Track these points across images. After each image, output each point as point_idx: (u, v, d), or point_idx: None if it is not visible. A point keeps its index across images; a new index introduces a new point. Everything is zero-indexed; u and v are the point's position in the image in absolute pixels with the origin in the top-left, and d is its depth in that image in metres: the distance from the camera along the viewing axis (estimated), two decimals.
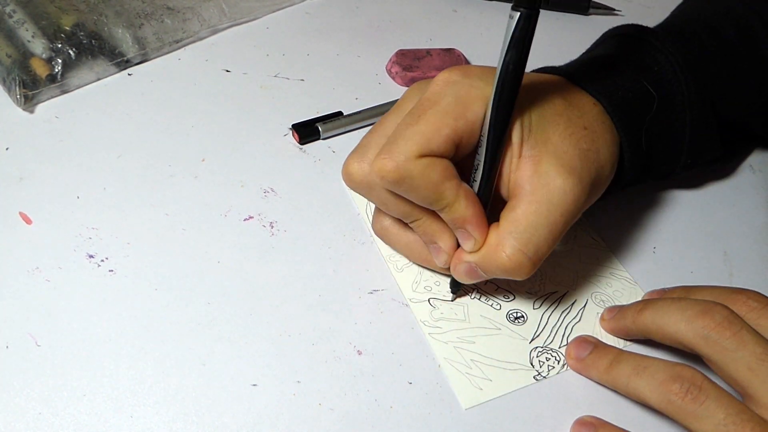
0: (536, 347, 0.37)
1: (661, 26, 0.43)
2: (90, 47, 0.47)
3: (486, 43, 0.56)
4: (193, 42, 0.52)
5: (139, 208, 0.40)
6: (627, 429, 0.33)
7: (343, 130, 0.47)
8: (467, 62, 0.53)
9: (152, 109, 0.46)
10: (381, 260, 0.40)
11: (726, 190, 0.47)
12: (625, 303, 0.38)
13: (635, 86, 0.38)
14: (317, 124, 0.46)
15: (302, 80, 0.50)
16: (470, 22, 0.57)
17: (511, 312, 0.38)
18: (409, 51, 0.52)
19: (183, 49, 0.51)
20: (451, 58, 0.52)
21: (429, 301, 0.38)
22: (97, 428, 0.31)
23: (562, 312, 0.38)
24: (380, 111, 0.47)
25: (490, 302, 0.38)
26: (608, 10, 0.60)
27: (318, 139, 0.46)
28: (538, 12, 0.30)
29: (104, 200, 0.41)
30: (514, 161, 0.34)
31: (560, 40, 0.56)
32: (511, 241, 0.33)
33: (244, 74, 0.50)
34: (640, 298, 0.39)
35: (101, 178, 0.42)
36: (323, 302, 0.37)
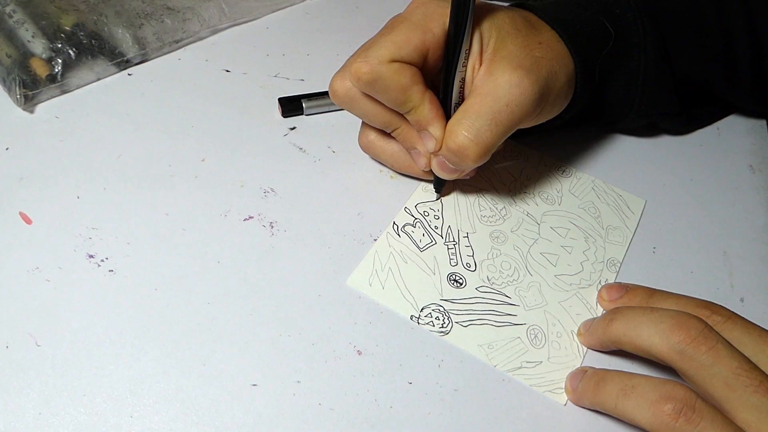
0: (439, 305, 0.38)
1: None
2: (90, 47, 0.47)
3: None
4: (193, 42, 0.52)
5: (139, 208, 0.40)
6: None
7: (326, 108, 0.48)
8: None
9: (152, 109, 0.47)
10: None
11: (726, 190, 0.47)
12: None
13: (593, 21, 0.41)
14: (302, 100, 0.48)
15: (302, 80, 0.50)
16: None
17: (456, 275, 0.40)
18: None
19: (183, 49, 0.51)
20: None
21: (414, 222, 0.41)
22: (97, 428, 0.31)
23: (491, 304, 0.39)
24: None
25: (455, 260, 0.40)
26: None
27: (301, 114, 0.48)
28: None
29: (104, 200, 0.41)
30: (476, 68, 0.38)
31: None
32: (457, 128, 0.37)
33: (244, 74, 0.50)
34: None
35: (101, 178, 0.42)
36: (323, 302, 0.37)
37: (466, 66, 0.38)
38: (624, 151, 0.48)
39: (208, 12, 0.52)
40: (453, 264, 0.40)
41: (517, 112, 0.37)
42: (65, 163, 0.42)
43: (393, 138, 0.41)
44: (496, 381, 0.35)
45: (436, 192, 0.43)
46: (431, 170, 0.40)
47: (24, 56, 0.45)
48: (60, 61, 0.46)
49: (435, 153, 0.39)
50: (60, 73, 0.46)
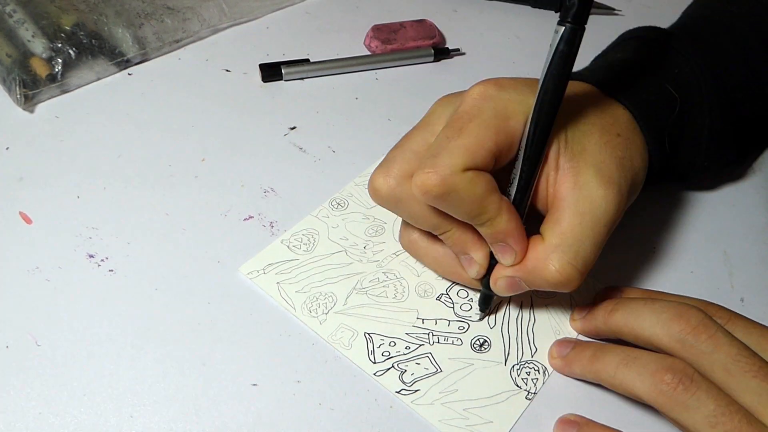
0: (513, 366, 0.36)
1: (678, 27, 0.44)
2: (90, 47, 0.47)
3: (486, 43, 0.56)
4: (194, 42, 0.52)
5: (139, 207, 0.40)
6: (612, 427, 0.33)
7: (305, 75, 0.50)
8: (439, 32, 0.54)
9: (152, 109, 0.46)
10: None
11: (726, 190, 0.47)
12: (573, 293, 0.38)
13: (658, 90, 0.39)
14: (281, 66, 0.49)
15: (302, 80, 0.50)
16: (470, 22, 0.57)
17: (474, 341, 0.36)
18: (383, 25, 0.54)
19: (183, 48, 0.51)
20: (424, 28, 0.54)
21: (394, 366, 0.35)
22: (98, 428, 0.31)
23: (516, 318, 0.38)
24: (347, 63, 0.51)
25: (450, 340, 0.36)
26: (608, 10, 0.60)
27: (280, 79, 0.49)
28: (584, 29, 0.30)
29: (104, 200, 0.41)
30: (552, 174, 0.34)
31: None
32: (559, 255, 0.33)
33: (244, 74, 0.50)
34: (591, 290, 0.39)
35: (101, 177, 0.42)
36: None
37: (540, 170, 0.34)
38: (691, 179, 0.48)
39: (208, 12, 0.52)
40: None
41: (613, 227, 0.34)
42: (65, 163, 0.42)
43: (439, 240, 0.36)
44: None
45: (480, 311, 0.37)
46: (482, 282, 0.36)
47: (24, 56, 0.45)
48: (60, 60, 0.46)
49: (500, 270, 0.34)
50: (60, 72, 0.46)
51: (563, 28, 0.30)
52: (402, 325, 0.37)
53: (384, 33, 0.53)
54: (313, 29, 0.55)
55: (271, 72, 0.49)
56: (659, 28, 0.43)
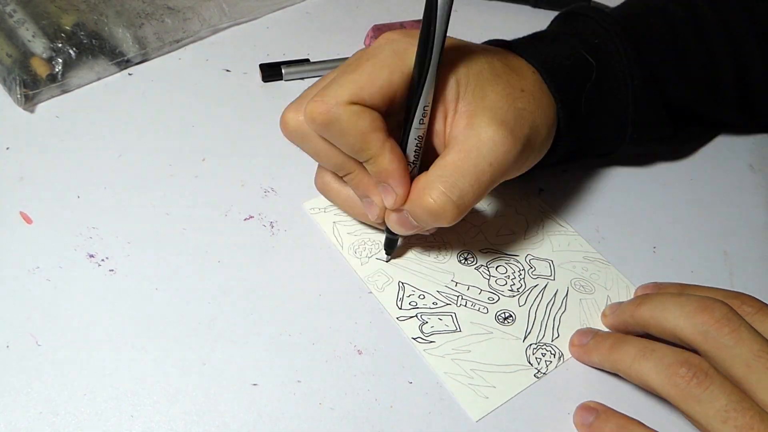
0: (531, 344, 0.37)
1: (614, 9, 0.45)
2: (90, 47, 0.47)
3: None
4: (194, 42, 0.52)
5: (140, 207, 0.40)
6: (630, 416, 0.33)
7: (305, 75, 0.50)
8: None
9: (153, 109, 0.47)
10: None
11: (726, 190, 0.47)
12: (601, 284, 0.40)
13: (573, 55, 0.40)
14: (281, 66, 0.49)
15: (302, 79, 0.50)
16: (470, 22, 0.57)
17: (499, 313, 0.38)
18: (383, 25, 0.54)
19: (183, 48, 0.51)
20: None
21: (417, 315, 0.37)
22: (98, 427, 0.31)
23: (548, 304, 0.39)
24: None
25: (477, 307, 0.38)
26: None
27: (280, 79, 0.49)
28: None
29: (105, 200, 0.41)
30: (450, 116, 0.35)
31: None
32: (437, 185, 0.33)
33: (244, 74, 0.50)
34: (615, 279, 0.40)
35: (102, 177, 0.42)
36: (323, 302, 0.37)
37: (424, 123, 0.34)
38: (624, 151, 0.48)
39: (208, 12, 0.52)
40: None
41: (499, 171, 0.34)
42: (66, 163, 0.42)
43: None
44: None
45: (386, 254, 0.39)
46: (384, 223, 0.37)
47: (24, 56, 0.45)
48: (60, 60, 0.46)
49: (397, 209, 0.35)
50: (60, 72, 0.46)
51: None
52: (435, 283, 0.39)
53: (384, 33, 0.53)
54: (314, 29, 0.55)
55: (271, 72, 0.49)
56: (587, 5, 0.43)
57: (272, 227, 0.40)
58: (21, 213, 0.39)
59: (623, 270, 0.41)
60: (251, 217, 0.41)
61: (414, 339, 0.36)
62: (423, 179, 0.34)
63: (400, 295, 0.38)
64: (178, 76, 0.49)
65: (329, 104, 0.32)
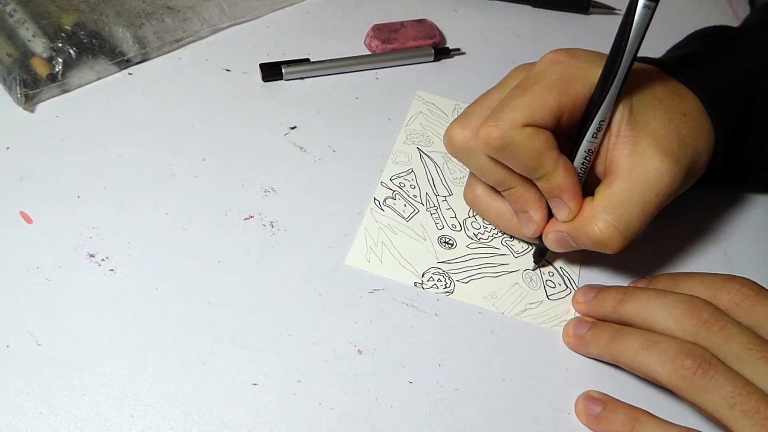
0: (438, 268, 0.40)
1: (745, 27, 0.44)
2: (90, 46, 0.47)
3: (487, 42, 0.56)
4: (194, 41, 0.52)
5: (140, 207, 0.40)
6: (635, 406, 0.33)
7: (306, 74, 0.50)
8: (440, 32, 0.54)
9: (153, 109, 0.46)
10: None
11: (726, 189, 0.47)
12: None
13: (728, 81, 0.39)
14: (282, 66, 0.49)
15: (302, 79, 0.50)
16: (471, 22, 0.57)
17: (445, 237, 0.41)
18: (383, 25, 0.53)
19: (183, 48, 0.51)
20: (424, 28, 0.54)
21: (394, 195, 0.42)
22: (98, 427, 0.32)
23: (484, 257, 0.41)
24: (347, 62, 0.51)
25: (441, 224, 0.41)
26: (608, 10, 0.60)
27: (281, 79, 0.49)
28: (657, 3, 0.31)
29: (105, 199, 0.41)
30: (612, 140, 0.35)
31: (560, 40, 0.56)
32: (604, 215, 0.35)
33: (244, 74, 0.50)
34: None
35: (102, 177, 0.42)
36: (323, 301, 0.37)
37: (597, 137, 0.35)
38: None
39: (208, 11, 0.52)
40: (439, 227, 0.41)
41: (665, 200, 0.35)
42: (66, 163, 0.42)
43: (501, 196, 0.39)
44: (497, 380, 0.35)
45: (534, 263, 0.41)
46: (538, 237, 0.39)
47: (24, 55, 0.45)
48: (60, 60, 0.46)
49: (553, 225, 0.37)
50: (60, 72, 0.46)
51: (643, 2, 0.31)
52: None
53: (384, 33, 0.53)
54: (314, 29, 0.55)
55: (271, 71, 0.49)
56: (729, 27, 0.43)
57: (272, 227, 0.40)
58: (21, 213, 0.39)
59: (623, 271, 0.41)
60: (251, 217, 0.41)
61: (375, 199, 0.41)
62: (589, 208, 0.35)
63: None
64: (178, 76, 0.49)
65: (504, 128, 0.33)
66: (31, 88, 0.45)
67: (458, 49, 0.54)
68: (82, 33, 0.47)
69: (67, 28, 0.47)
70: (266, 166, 0.44)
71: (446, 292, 0.39)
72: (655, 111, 0.36)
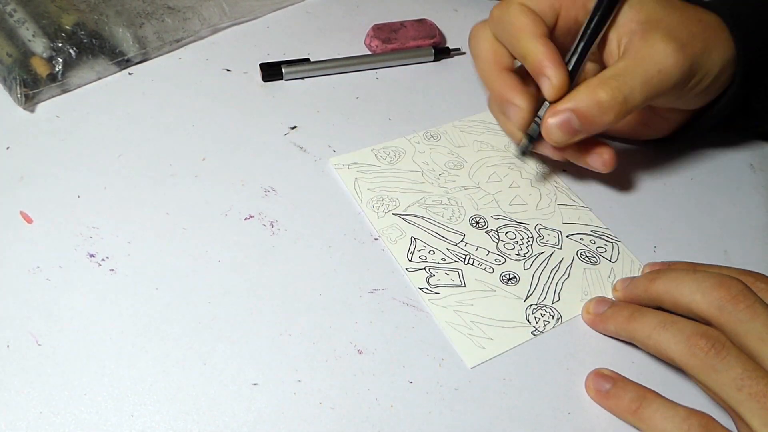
0: (531, 305, 0.38)
1: None
2: (91, 46, 0.47)
3: None
4: (194, 41, 0.52)
5: (140, 207, 0.40)
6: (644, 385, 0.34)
7: (306, 74, 0.50)
8: (440, 32, 0.54)
9: (153, 109, 0.47)
10: (382, 259, 0.40)
11: (726, 189, 0.47)
12: (607, 257, 0.41)
13: (756, 12, 0.41)
14: (282, 66, 0.49)
15: (302, 79, 0.50)
16: (471, 22, 0.57)
17: (504, 274, 0.39)
18: (384, 25, 0.54)
19: (183, 48, 0.51)
20: (425, 28, 0.54)
21: (426, 268, 0.39)
22: (98, 427, 0.31)
23: (552, 270, 0.40)
24: (347, 62, 0.51)
25: (483, 266, 0.40)
26: None
27: (281, 79, 0.49)
28: None
29: (105, 199, 0.41)
30: (623, 38, 0.38)
31: None
32: (610, 82, 0.37)
33: (244, 73, 0.50)
34: (622, 254, 0.42)
35: (102, 177, 0.42)
36: (324, 301, 0.37)
37: (596, 43, 0.39)
38: (623, 151, 0.48)
39: (208, 11, 0.52)
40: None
41: (666, 81, 0.37)
42: (66, 163, 0.42)
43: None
44: (497, 380, 0.35)
45: (522, 153, 0.43)
46: (526, 130, 0.41)
47: (25, 55, 0.45)
48: (61, 60, 0.46)
49: (557, 108, 0.38)
50: (61, 72, 0.46)
51: None
52: (446, 242, 0.41)
53: (384, 32, 0.53)
54: (314, 29, 0.55)
55: (271, 71, 0.49)
56: None
57: (272, 227, 0.40)
58: (21, 213, 0.39)
59: (623, 271, 0.41)
60: (251, 216, 0.41)
61: (420, 289, 0.38)
62: (595, 79, 0.38)
63: (411, 249, 0.40)
64: (179, 76, 0.49)
65: (503, 5, 0.39)
66: (31, 88, 0.45)
67: (458, 49, 0.54)
68: (82, 33, 0.47)
69: (67, 27, 0.47)
70: (266, 166, 0.44)
71: (556, 323, 0.38)
72: (670, 13, 0.38)
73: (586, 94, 0.37)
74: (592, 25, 0.38)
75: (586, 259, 0.41)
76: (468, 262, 0.40)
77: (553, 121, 0.38)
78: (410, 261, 0.39)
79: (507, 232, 0.42)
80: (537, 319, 0.38)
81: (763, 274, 0.36)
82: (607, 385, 0.35)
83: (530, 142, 0.42)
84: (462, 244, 0.41)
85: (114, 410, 0.32)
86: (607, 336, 0.37)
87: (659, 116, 0.44)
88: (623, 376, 0.35)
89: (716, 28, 0.39)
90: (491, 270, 0.40)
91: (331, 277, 0.38)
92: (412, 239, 0.40)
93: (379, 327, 0.37)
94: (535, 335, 0.37)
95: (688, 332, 0.33)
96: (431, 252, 0.40)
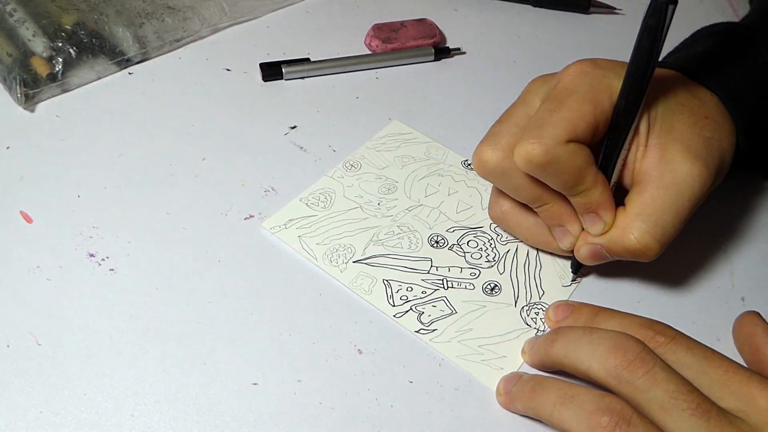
0: (522, 307, 0.38)
1: (752, 21, 0.44)
2: (91, 46, 0.47)
3: (487, 42, 0.56)
4: (194, 41, 0.52)
5: (140, 207, 0.40)
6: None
7: (306, 74, 0.50)
8: (440, 31, 0.54)
9: (153, 108, 0.47)
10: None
11: (726, 189, 0.47)
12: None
13: (745, 78, 0.39)
14: (282, 65, 0.49)
15: (302, 78, 0.50)
16: (471, 21, 0.57)
17: (485, 286, 0.39)
18: (384, 24, 0.53)
19: (183, 48, 0.51)
20: (425, 28, 0.54)
21: (412, 308, 0.37)
22: (98, 427, 0.31)
23: (523, 266, 0.40)
24: (347, 62, 0.51)
25: (463, 285, 0.39)
26: (609, 9, 0.60)
27: (281, 78, 0.49)
28: (676, 3, 0.30)
29: (105, 199, 0.41)
30: (640, 150, 0.35)
31: (561, 39, 0.56)
32: (639, 224, 0.34)
33: (244, 73, 0.50)
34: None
35: (102, 177, 0.42)
36: (324, 301, 0.37)
37: (626, 148, 0.35)
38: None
39: (208, 11, 0.52)
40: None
41: (697, 204, 0.35)
42: (66, 162, 0.42)
43: (530, 211, 0.38)
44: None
45: (572, 273, 0.40)
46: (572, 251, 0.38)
47: (25, 55, 0.45)
48: (61, 60, 0.46)
49: (585, 238, 0.36)
50: (61, 71, 0.46)
51: (654, 2, 0.30)
52: (417, 273, 0.39)
53: (384, 32, 0.53)
54: (314, 28, 0.55)
55: (271, 71, 0.49)
56: (736, 23, 0.43)
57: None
58: (21, 213, 0.39)
59: (623, 270, 0.41)
60: (251, 216, 0.41)
61: (417, 332, 0.36)
62: (622, 218, 0.35)
63: (389, 293, 0.38)
64: (179, 76, 0.49)
65: (547, 145, 0.32)
66: (31, 87, 0.45)
67: (458, 49, 0.54)
68: (82, 32, 0.47)
69: (67, 27, 0.47)
70: (266, 165, 0.44)
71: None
72: (679, 116, 0.35)
73: (617, 237, 0.35)
74: (624, 143, 0.35)
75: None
76: (448, 286, 0.39)
77: (586, 250, 0.36)
78: (394, 306, 0.37)
79: (468, 242, 0.41)
80: (534, 320, 0.38)
81: (666, 325, 0.33)
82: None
83: (580, 265, 0.39)
84: (434, 270, 0.39)
85: (114, 410, 0.32)
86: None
87: None
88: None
89: (721, 120, 0.37)
90: (472, 286, 0.39)
91: (330, 277, 0.38)
92: (385, 282, 0.38)
93: (379, 327, 0.37)
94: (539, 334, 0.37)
95: (589, 408, 0.30)
96: (409, 288, 0.38)
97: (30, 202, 0.40)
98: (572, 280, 0.40)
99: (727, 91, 0.38)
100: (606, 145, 0.35)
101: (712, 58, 0.41)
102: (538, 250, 0.41)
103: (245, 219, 0.41)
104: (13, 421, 0.31)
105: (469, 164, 0.45)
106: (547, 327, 0.37)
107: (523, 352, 0.36)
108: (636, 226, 0.34)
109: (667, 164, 0.34)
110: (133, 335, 0.35)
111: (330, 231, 0.40)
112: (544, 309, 0.38)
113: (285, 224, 0.40)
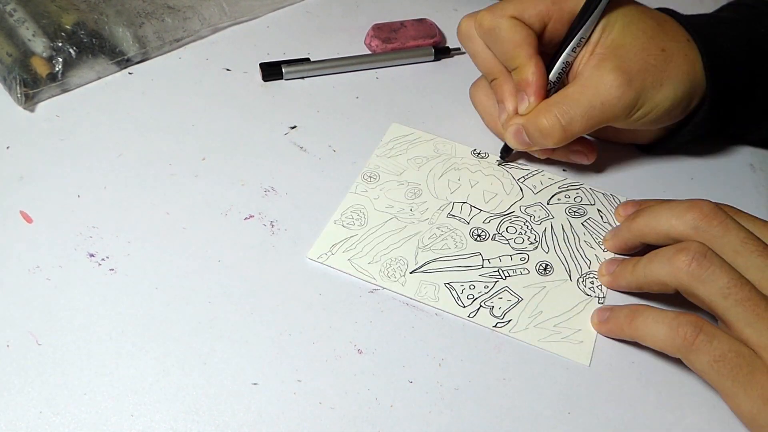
0: (577, 279, 0.40)
1: None
2: (91, 46, 0.47)
3: None
4: (194, 41, 0.52)
5: (140, 206, 0.40)
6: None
7: (306, 74, 0.50)
8: (440, 31, 0.55)
9: (153, 108, 0.47)
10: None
11: (726, 189, 0.47)
12: (588, 202, 0.44)
13: (738, 39, 0.42)
14: (282, 65, 0.49)
15: (302, 78, 0.50)
16: None
17: (537, 267, 0.40)
18: (384, 24, 0.54)
19: (183, 47, 0.51)
20: (425, 28, 0.54)
21: (482, 305, 0.38)
22: (98, 427, 0.32)
23: (564, 240, 0.42)
24: (347, 62, 0.51)
25: (518, 271, 0.40)
26: None
27: (281, 78, 0.49)
28: None
29: (105, 199, 0.41)
30: (586, 57, 0.40)
31: None
32: (553, 109, 0.40)
33: (244, 73, 0.50)
34: (593, 194, 0.44)
35: (102, 176, 0.42)
36: (324, 301, 0.37)
37: (577, 52, 0.40)
38: (624, 150, 0.48)
39: (208, 11, 0.52)
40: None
41: (608, 113, 0.39)
42: (66, 162, 0.42)
43: (492, 95, 0.44)
44: (497, 380, 0.36)
45: (501, 157, 0.45)
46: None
47: (25, 55, 0.45)
48: (60, 59, 0.46)
49: (512, 118, 0.41)
50: (60, 71, 0.46)
51: None
52: (473, 269, 0.40)
53: (384, 32, 0.53)
54: (314, 28, 0.55)
55: (271, 71, 0.49)
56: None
57: (272, 227, 0.40)
58: (21, 212, 0.39)
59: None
60: (251, 216, 0.41)
61: (495, 327, 0.37)
62: (543, 104, 0.40)
63: (455, 295, 0.38)
64: (179, 76, 0.49)
65: (495, 14, 0.40)
66: (31, 87, 0.45)
67: (458, 49, 0.54)
68: (82, 32, 0.47)
69: (67, 27, 0.47)
70: (266, 165, 0.44)
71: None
72: (633, 39, 0.39)
73: (533, 117, 0.40)
74: (569, 45, 0.40)
75: (575, 213, 0.43)
76: (506, 276, 0.40)
77: (511, 130, 0.42)
78: (465, 307, 0.38)
79: (507, 228, 0.42)
80: (592, 288, 0.39)
81: (727, 204, 0.37)
82: (606, 314, 0.37)
83: (508, 150, 0.45)
84: (486, 263, 0.40)
85: (114, 410, 0.32)
86: (609, 337, 0.37)
87: (629, 130, 0.45)
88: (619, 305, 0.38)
89: (681, 59, 0.40)
90: (526, 271, 0.40)
91: (330, 277, 0.38)
92: (448, 286, 0.39)
93: (379, 327, 0.37)
94: (601, 302, 0.39)
95: (670, 253, 0.34)
96: (471, 286, 0.39)
97: (30, 202, 0.40)
98: (498, 164, 0.45)
99: (712, 45, 0.40)
100: (558, 44, 0.41)
101: (713, 18, 0.43)
102: (569, 222, 0.43)
103: (245, 219, 0.41)
104: (13, 421, 0.31)
105: (479, 153, 0.46)
106: (607, 293, 0.39)
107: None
108: (550, 111, 0.40)
109: (597, 70, 0.39)
110: (133, 335, 0.35)
111: (376, 247, 0.40)
112: (596, 277, 0.40)
113: (330, 250, 0.39)
